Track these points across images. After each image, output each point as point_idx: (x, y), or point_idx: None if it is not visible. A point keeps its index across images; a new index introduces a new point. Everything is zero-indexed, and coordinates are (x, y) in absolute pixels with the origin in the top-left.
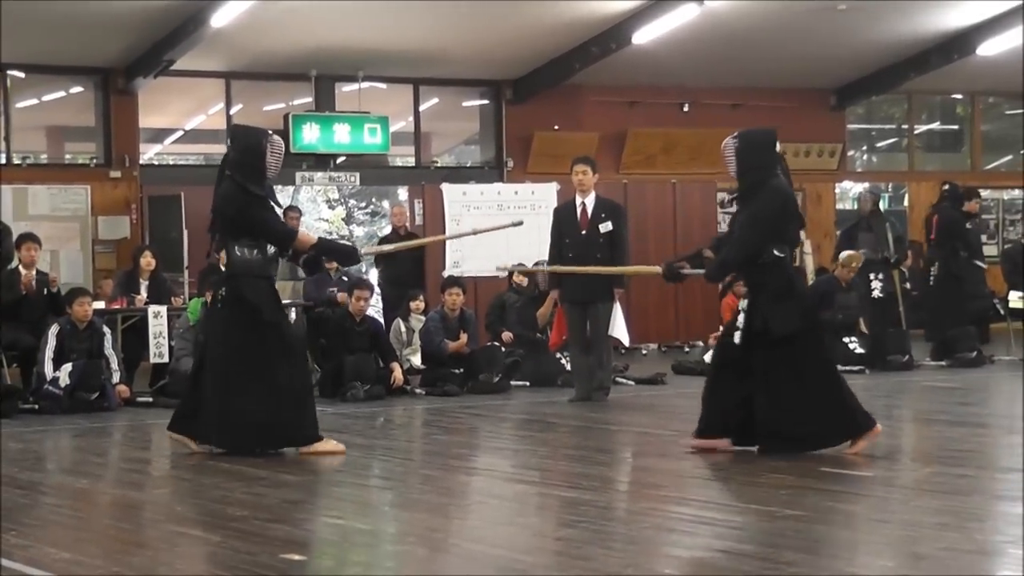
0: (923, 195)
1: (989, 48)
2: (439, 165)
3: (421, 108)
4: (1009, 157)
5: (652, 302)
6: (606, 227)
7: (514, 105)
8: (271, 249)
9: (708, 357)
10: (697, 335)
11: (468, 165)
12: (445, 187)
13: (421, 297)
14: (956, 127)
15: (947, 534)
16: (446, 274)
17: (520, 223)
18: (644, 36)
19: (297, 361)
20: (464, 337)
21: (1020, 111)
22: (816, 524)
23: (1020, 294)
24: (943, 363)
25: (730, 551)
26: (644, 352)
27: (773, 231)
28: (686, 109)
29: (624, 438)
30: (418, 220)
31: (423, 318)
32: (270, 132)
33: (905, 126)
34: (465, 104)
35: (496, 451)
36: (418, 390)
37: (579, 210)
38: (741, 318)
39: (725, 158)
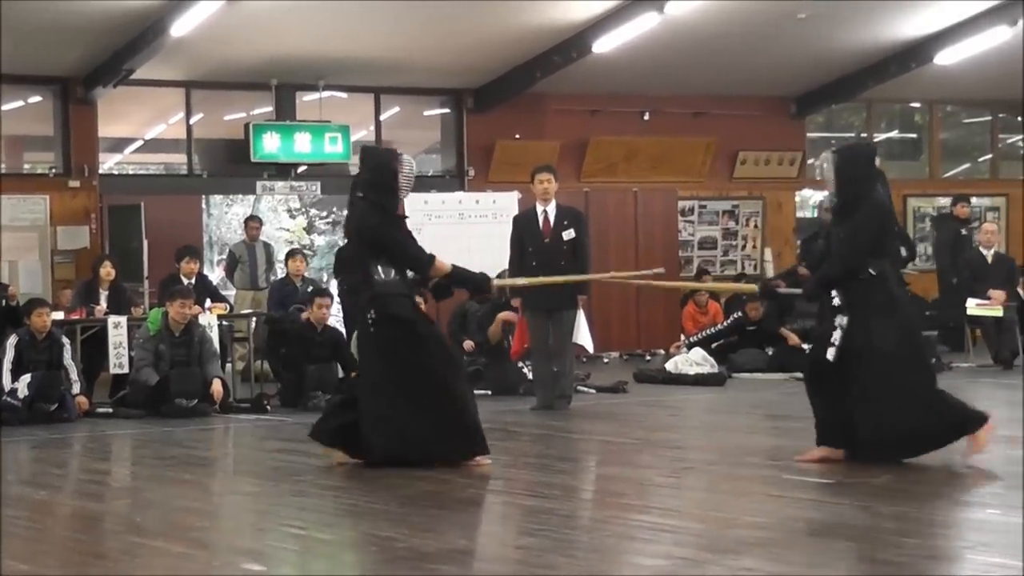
0: None
1: (946, 57)
2: None
3: (382, 117)
4: (967, 165)
5: (614, 311)
6: (569, 235)
7: (475, 114)
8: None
9: (669, 366)
10: (659, 344)
11: (429, 174)
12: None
13: None
14: (915, 135)
15: (906, 540)
16: None
17: (662, 271)
18: (605, 45)
19: (460, 373)
20: None
21: (978, 119)
22: (776, 531)
23: (978, 301)
24: None
25: (691, 559)
26: (606, 360)
27: (873, 246)
28: (647, 117)
29: (586, 446)
30: None
31: None
32: (399, 151)
33: (864, 134)
34: (426, 113)
35: None
36: None
37: (541, 218)
38: (837, 335)
39: (823, 172)
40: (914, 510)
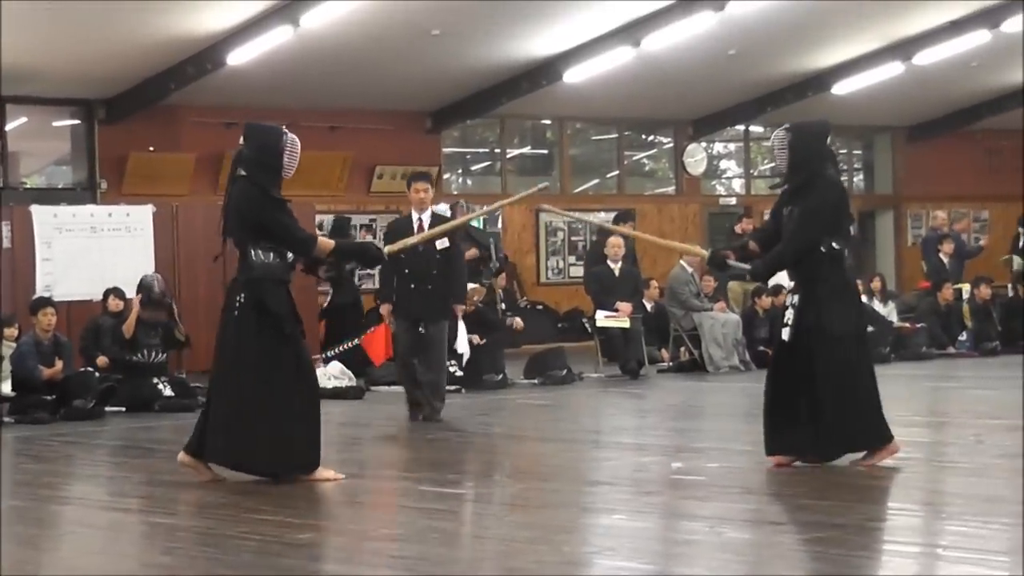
0: (516, 217)
1: (575, 75)
2: (28, 186)
3: (8, 127)
4: (596, 181)
5: None
6: (442, 243)
7: (107, 125)
8: (291, 254)
9: None
10: None
11: (60, 186)
12: (35, 209)
13: (15, 324)
14: (546, 151)
15: (538, 547)
16: (36, 296)
17: (546, 186)
18: (240, 57)
19: (310, 381)
20: (59, 364)
21: (605, 137)
22: (412, 542)
23: (606, 313)
24: (536, 381)
25: (328, 573)
26: None
27: (829, 225)
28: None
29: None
30: (6, 243)
31: (15, 344)
32: (285, 130)
33: (498, 150)
34: (56, 124)
35: (90, 479)
36: (6, 418)
37: (416, 226)
38: (789, 314)
39: (776, 151)
40: (545, 518)
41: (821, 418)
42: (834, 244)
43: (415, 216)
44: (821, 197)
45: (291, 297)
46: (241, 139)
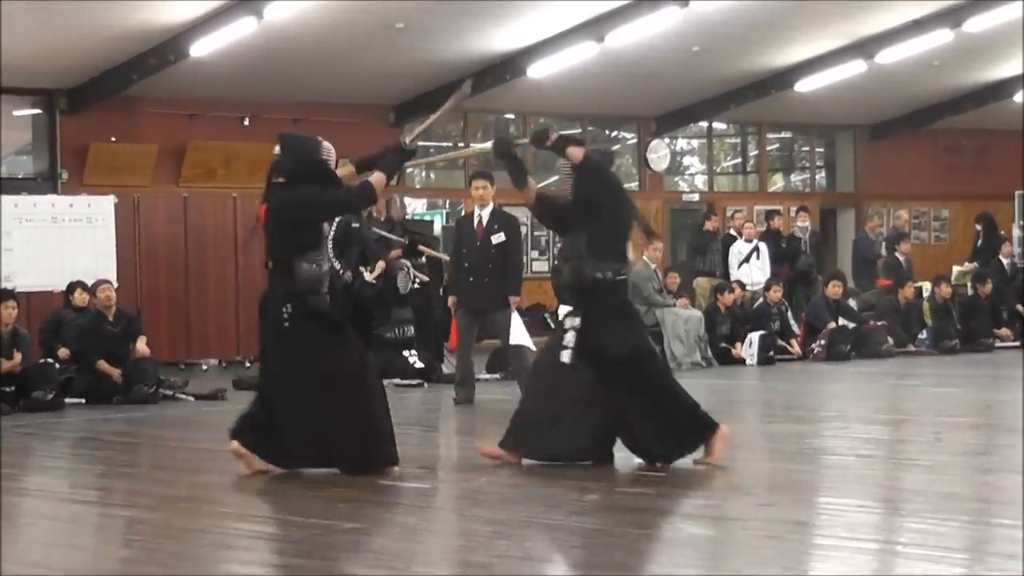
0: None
1: (538, 70)
2: None
3: None
4: (557, 177)
5: (212, 316)
6: (498, 238)
7: (69, 115)
8: (325, 266)
9: None
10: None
11: (20, 176)
12: None
13: None
14: None
15: (499, 542)
16: None
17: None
18: (203, 48)
19: (375, 377)
20: (18, 356)
21: (568, 132)
22: (374, 536)
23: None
24: (498, 376)
25: (288, 566)
26: (204, 367)
27: (615, 244)
28: (247, 123)
29: (182, 455)
30: None
31: None
32: (319, 138)
33: (461, 144)
34: (16, 113)
35: (50, 470)
36: None
37: (476, 222)
38: (570, 336)
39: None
40: (506, 513)
41: (638, 434)
42: (618, 271)
43: (476, 212)
44: (606, 195)
45: (328, 303)
46: (277, 148)
